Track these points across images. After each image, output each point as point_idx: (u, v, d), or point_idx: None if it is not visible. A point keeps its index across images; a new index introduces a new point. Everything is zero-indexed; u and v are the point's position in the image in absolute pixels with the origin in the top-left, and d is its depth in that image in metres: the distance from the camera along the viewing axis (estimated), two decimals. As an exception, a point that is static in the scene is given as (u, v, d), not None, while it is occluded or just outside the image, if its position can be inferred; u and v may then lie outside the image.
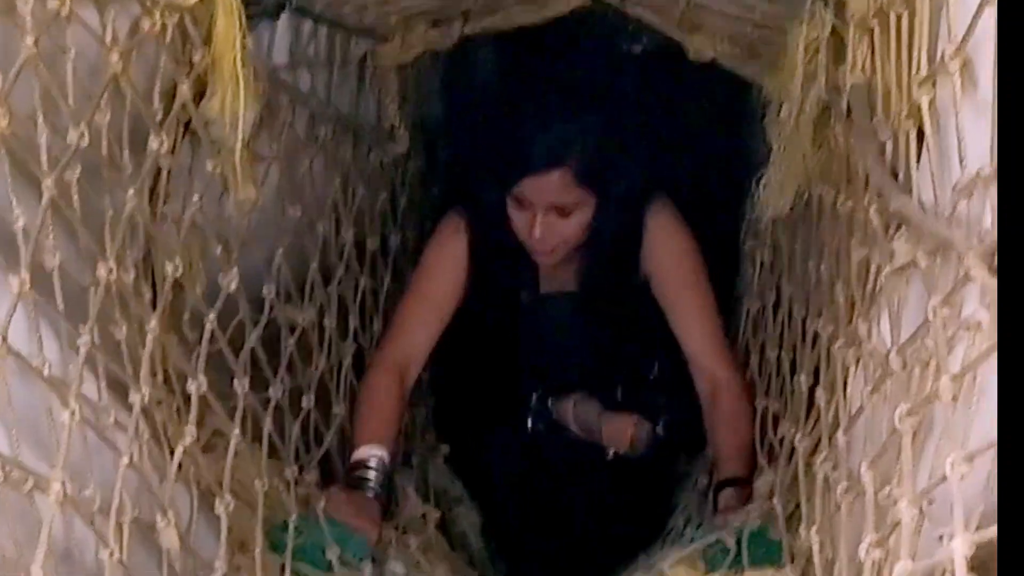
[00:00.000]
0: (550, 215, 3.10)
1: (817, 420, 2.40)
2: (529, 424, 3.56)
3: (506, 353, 3.55)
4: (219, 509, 2.19)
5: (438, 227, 3.43)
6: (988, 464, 1.33)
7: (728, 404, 3.22)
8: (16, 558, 1.55)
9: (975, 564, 1.25)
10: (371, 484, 2.98)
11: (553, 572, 3.45)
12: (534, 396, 3.56)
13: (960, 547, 1.24)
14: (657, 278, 3.31)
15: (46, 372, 1.68)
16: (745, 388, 3.22)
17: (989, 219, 1.42)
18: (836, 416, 2.21)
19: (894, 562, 1.59)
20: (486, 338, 3.51)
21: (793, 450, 2.56)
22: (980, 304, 1.36)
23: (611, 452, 3.49)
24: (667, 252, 3.29)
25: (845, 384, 2.17)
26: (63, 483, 1.61)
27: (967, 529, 1.26)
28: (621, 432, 3.46)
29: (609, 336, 3.46)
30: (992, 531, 1.21)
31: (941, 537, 1.38)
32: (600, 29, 4.10)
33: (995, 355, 1.26)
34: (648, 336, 3.44)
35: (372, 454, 3.02)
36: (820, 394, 2.39)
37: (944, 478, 1.32)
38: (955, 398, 1.38)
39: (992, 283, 1.28)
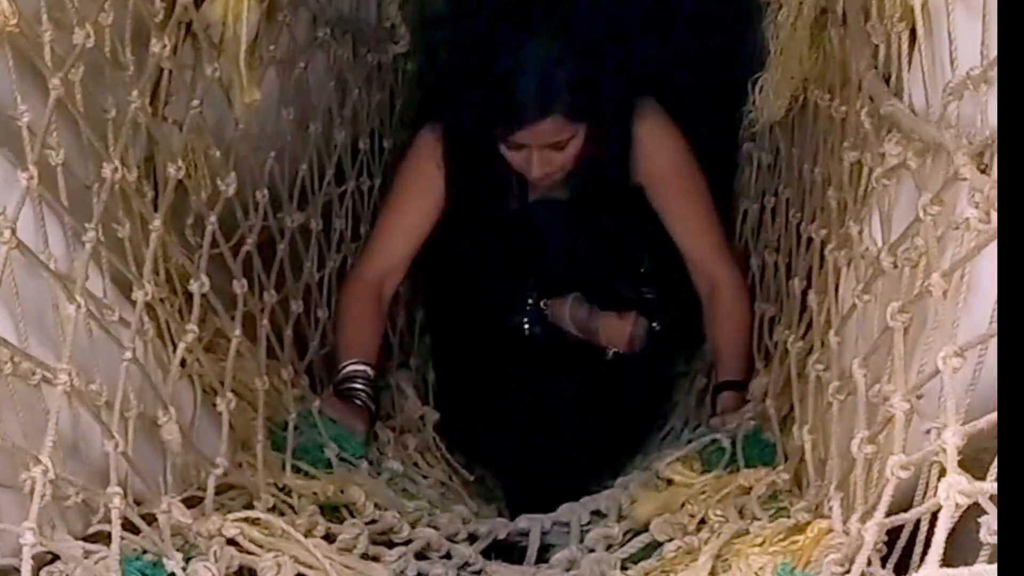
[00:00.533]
0: (545, 151, 3.09)
1: (810, 323, 2.43)
2: (526, 328, 3.51)
3: (497, 260, 3.49)
4: (221, 406, 2.22)
5: (413, 141, 3.40)
6: (975, 360, 1.36)
7: (727, 304, 3.24)
8: (25, 447, 1.58)
9: (962, 461, 1.28)
10: (359, 394, 3.06)
11: (552, 473, 3.43)
12: (528, 300, 3.51)
13: (952, 439, 1.26)
14: (651, 184, 3.27)
15: (52, 267, 1.70)
16: (744, 288, 3.24)
17: (979, 119, 1.44)
18: (828, 318, 2.23)
19: (885, 457, 1.62)
20: (476, 246, 3.47)
21: (787, 353, 2.59)
22: (969, 203, 1.38)
23: (610, 351, 3.47)
24: (658, 157, 3.25)
25: (837, 286, 2.19)
26: (70, 374, 1.64)
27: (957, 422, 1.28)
28: (619, 330, 3.45)
29: (602, 239, 3.41)
30: (982, 422, 1.23)
31: (929, 431, 1.41)
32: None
33: (985, 252, 1.28)
34: (641, 236, 3.40)
35: (356, 369, 3.10)
36: (812, 297, 2.42)
37: (937, 372, 1.34)
38: (945, 294, 1.40)
39: (981, 181, 1.30)
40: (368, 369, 3.11)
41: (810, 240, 2.54)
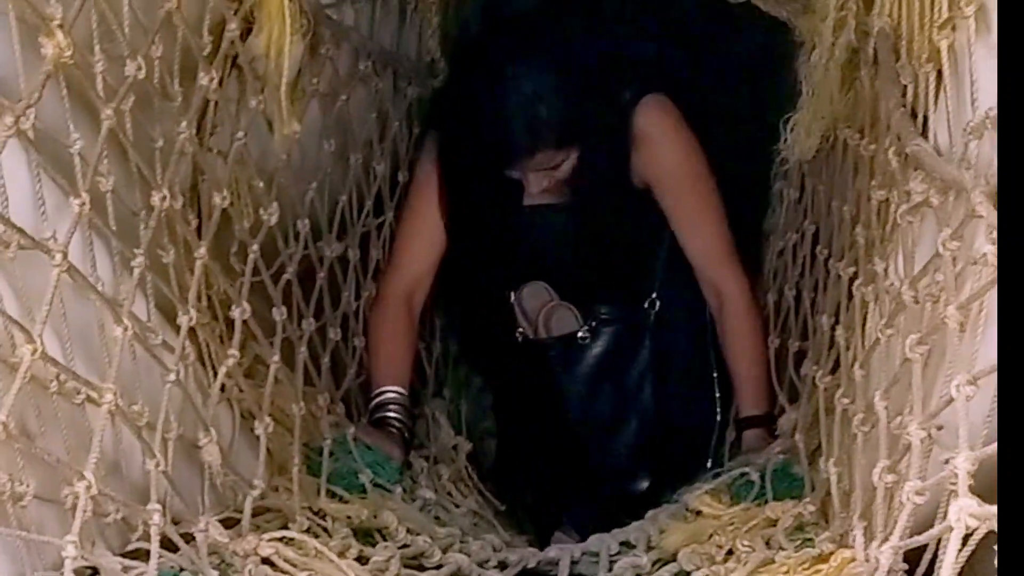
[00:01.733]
0: (540, 173, 3.08)
1: (838, 359, 2.46)
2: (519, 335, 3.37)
3: (498, 269, 3.34)
4: (259, 430, 2.28)
5: (426, 144, 3.32)
6: (992, 390, 1.39)
7: (735, 322, 3.18)
8: (68, 464, 1.63)
9: (981, 491, 1.31)
10: (393, 423, 3.06)
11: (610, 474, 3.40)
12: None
13: (963, 463, 1.29)
14: (657, 184, 3.16)
15: (100, 290, 1.76)
16: (752, 301, 3.19)
17: (995, 161, 1.48)
18: (855, 353, 2.26)
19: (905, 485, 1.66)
20: (475, 254, 3.30)
21: (815, 387, 2.62)
22: (986, 239, 1.41)
23: (581, 334, 3.33)
24: (664, 157, 3.15)
25: (864, 322, 2.22)
26: (115, 394, 1.69)
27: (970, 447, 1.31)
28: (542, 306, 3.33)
29: (604, 244, 3.26)
30: (992, 448, 1.26)
31: (947, 460, 1.44)
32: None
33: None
34: (647, 240, 3.29)
35: (390, 396, 3.10)
36: (840, 333, 2.45)
37: (951, 400, 1.38)
38: (962, 326, 1.44)
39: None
40: (401, 394, 3.11)
41: (838, 277, 2.56)
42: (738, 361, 3.19)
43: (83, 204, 1.65)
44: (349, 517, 2.47)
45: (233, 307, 2.27)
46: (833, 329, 2.54)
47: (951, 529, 1.25)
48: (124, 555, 1.82)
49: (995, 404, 1.40)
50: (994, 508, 1.22)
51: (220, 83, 2.18)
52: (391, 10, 3.28)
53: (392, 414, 3.08)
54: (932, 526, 1.59)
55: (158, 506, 1.81)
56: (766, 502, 2.58)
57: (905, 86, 2.00)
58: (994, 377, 1.33)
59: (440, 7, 3.56)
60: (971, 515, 1.22)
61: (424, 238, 3.25)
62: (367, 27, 3.10)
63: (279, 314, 2.51)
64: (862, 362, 2.17)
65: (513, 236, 3.27)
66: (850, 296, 2.39)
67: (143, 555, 1.80)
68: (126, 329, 1.77)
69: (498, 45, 3.11)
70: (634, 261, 3.33)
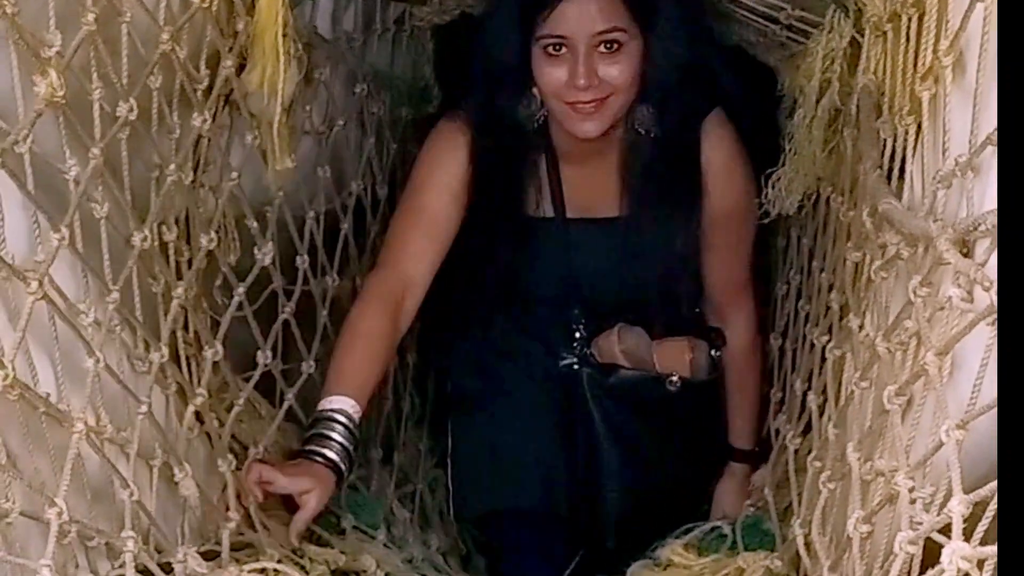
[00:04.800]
0: (593, 55, 2.65)
1: (809, 422, 2.51)
2: (574, 367, 3.04)
3: (534, 283, 3.03)
4: (222, 467, 2.28)
5: (433, 134, 2.95)
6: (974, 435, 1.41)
7: (740, 356, 3.07)
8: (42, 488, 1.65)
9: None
10: (330, 448, 2.50)
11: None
12: (576, 333, 3.04)
13: (957, 507, 1.31)
14: (709, 217, 2.90)
15: (91, 317, 1.78)
16: (755, 334, 3.08)
17: (964, 205, 1.51)
18: (829, 415, 2.30)
19: (881, 535, 1.69)
20: (503, 263, 2.98)
21: (785, 447, 2.68)
22: (952, 283, 1.44)
23: (674, 380, 3.02)
24: (726, 197, 2.89)
25: (839, 383, 2.26)
26: (86, 423, 1.70)
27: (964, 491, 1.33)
28: (677, 354, 3.02)
29: (657, 265, 2.95)
30: (985, 490, 1.28)
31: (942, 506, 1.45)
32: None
33: (973, 331, 1.36)
34: (693, 261, 2.99)
35: (338, 408, 2.54)
36: (812, 399, 2.50)
37: (940, 445, 1.40)
38: (940, 371, 1.47)
39: (965, 264, 1.38)
40: (353, 408, 2.54)
41: (812, 344, 2.60)
42: (737, 392, 3.10)
43: (63, 239, 1.65)
44: (327, 561, 2.46)
45: (206, 347, 2.28)
46: (805, 395, 2.59)
47: (943, 572, 1.27)
48: (106, 582, 1.83)
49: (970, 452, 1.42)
50: (986, 549, 1.24)
51: (213, 118, 2.20)
52: (385, 38, 3.26)
53: (330, 433, 2.51)
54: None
55: (132, 534, 1.82)
56: (737, 552, 2.61)
57: (884, 143, 2.03)
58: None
59: (434, 32, 3.52)
60: (963, 557, 1.25)
61: (429, 233, 2.84)
62: (360, 53, 3.08)
63: (263, 358, 2.54)
64: (836, 421, 2.20)
65: (554, 246, 2.97)
66: (823, 360, 2.44)
67: (125, 583, 1.81)
68: (97, 361, 1.77)
69: None
70: (686, 281, 3.04)
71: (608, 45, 2.65)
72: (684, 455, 3.13)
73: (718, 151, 2.87)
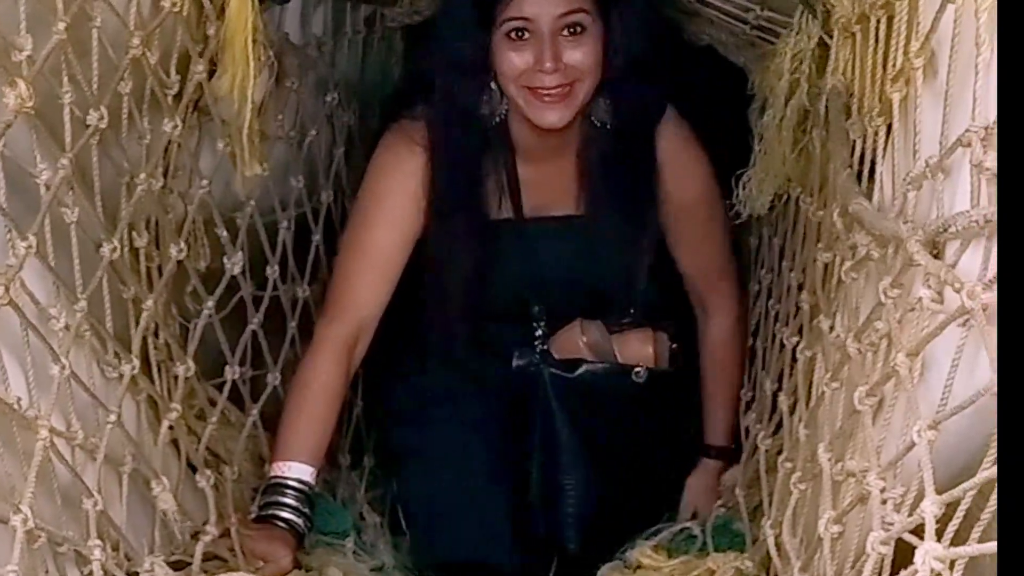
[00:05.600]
0: (557, 40, 2.62)
1: (781, 420, 2.51)
2: (534, 368, 2.97)
3: (491, 282, 2.92)
4: (201, 483, 2.29)
5: (380, 152, 2.85)
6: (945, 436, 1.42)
7: (720, 346, 3.06)
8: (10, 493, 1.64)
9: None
10: (285, 514, 2.55)
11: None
12: (537, 331, 2.99)
13: (930, 508, 1.31)
14: (668, 210, 2.90)
15: (60, 323, 1.78)
16: (742, 321, 3.06)
17: (935, 207, 1.52)
18: (800, 415, 2.29)
19: (852, 535, 1.69)
20: (461, 263, 2.87)
21: (756, 447, 2.68)
22: (922, 285, 1.45)
23: (640, 371, 2.98)
24: (683, 190, 2.88)
25: (809, 384, 2.25)
26: (51, 430, 1.69)
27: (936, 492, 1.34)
28: (640, 346, 2.99)
29: (616, 263, 2.94)
30: (958, 491, 1.29)
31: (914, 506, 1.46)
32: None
33: (943, 333, 1.37)
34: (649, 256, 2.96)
35: (293, 477, 2.58)
36: (783, 399, 2.50)
37: (912, 446, 1.41)
38: (911, 371, 1.48)
39: (935, 265, 1.39)
40: (308, 474, 2.59)
41: (782, 345, 2.60)
42: (713, 383, 3.07)
43: (30, 247, 1.64)
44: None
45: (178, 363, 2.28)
46: (775, 395, 2.59)
47: (916, 573, 1.27)
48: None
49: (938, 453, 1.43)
50: (959, 549, 1.25)
51: (184, 123, 2.20)
52: (356, 39, 3.24)
53: (290, 501, 2.55)
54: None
55: (99, 542, 1.81)
56: (707, 553, 2.62)
57: (854, 143, 2.03)
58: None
59: (404, 34, 3.51)
60: (936, 558, 1.25)
61: (381, 267, 2.77)
62: (330, 58, 3.06)
63: (231, 373, 2.55)
64: (806, 421, 2.20)
65: (512, 244, 2.92)
66: (794, 361, 2.44)
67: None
68: (64, 368, 1.76)
69: None
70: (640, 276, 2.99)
71: (572, 29, 2.63)
72: (651, 452, 3.07)
73: (673, 144, 2.87)
